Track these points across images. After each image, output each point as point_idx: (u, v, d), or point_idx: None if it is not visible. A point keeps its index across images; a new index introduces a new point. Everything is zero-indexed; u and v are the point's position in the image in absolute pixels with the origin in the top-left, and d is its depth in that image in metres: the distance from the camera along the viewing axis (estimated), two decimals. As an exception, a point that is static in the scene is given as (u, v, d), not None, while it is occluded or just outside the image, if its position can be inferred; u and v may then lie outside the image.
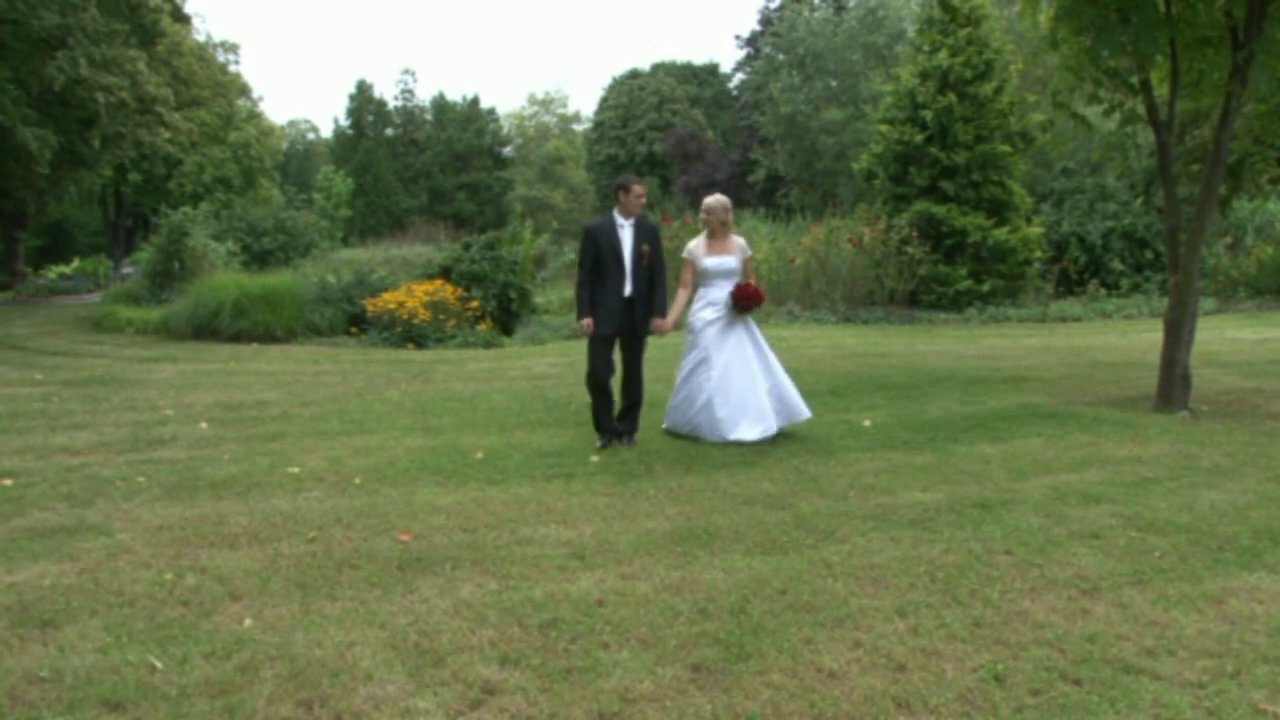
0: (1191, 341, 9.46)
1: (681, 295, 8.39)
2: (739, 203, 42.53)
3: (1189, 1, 9.32)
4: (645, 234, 7.92)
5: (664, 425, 8.44)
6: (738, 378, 8.02)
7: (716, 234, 8.25)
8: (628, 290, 7.83)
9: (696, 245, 8.30)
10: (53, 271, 39.75)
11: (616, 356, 8.12)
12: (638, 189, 7.86)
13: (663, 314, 8.07)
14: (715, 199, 8.27)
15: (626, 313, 7.87)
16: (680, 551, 5.27)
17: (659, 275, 8.03)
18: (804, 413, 8.19)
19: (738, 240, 8.33)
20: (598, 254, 7.82)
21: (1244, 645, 4.01)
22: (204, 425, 8.96)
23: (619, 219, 7.89)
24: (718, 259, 8.20)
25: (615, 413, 8.09)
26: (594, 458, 7.48)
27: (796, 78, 42.45)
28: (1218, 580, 4.75)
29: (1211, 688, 3.68)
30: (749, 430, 7.92)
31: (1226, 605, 4.44)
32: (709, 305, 8.18)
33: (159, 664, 3.90)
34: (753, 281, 8.28)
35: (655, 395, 9.27)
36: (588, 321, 7.85)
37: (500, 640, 4.12)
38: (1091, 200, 25.01)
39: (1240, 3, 8.83)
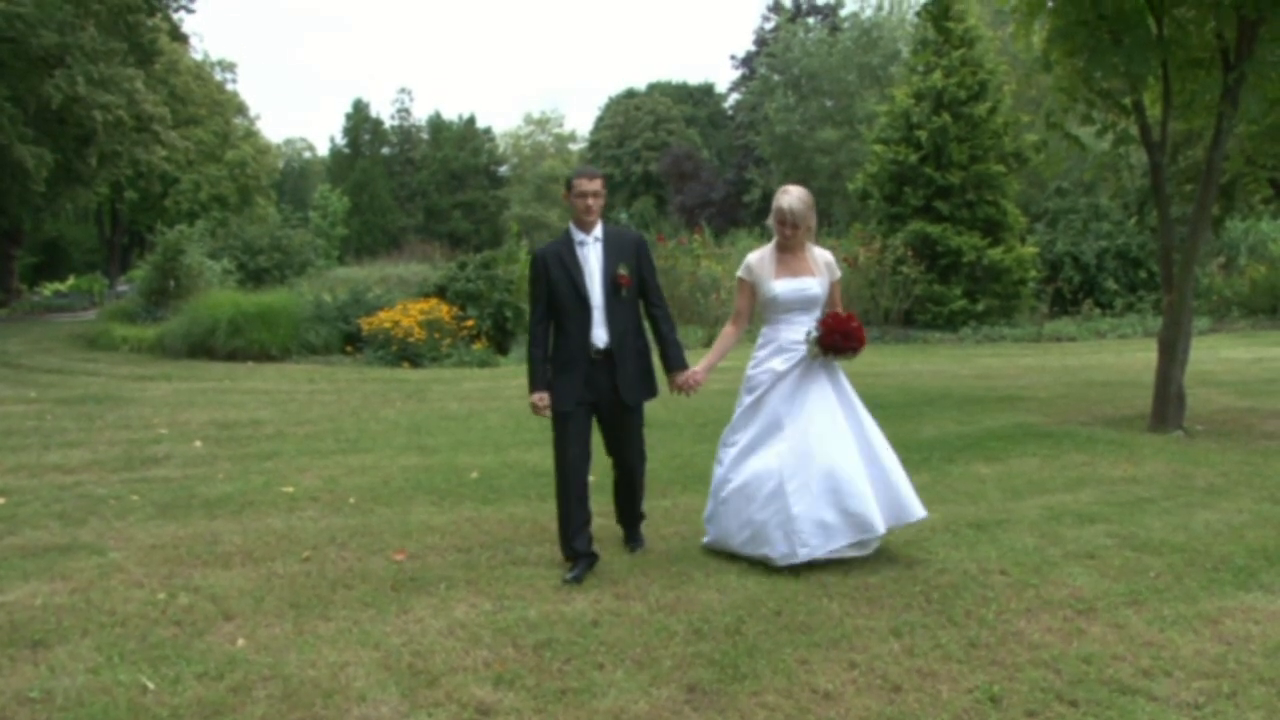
0: (1186, 361, 9.47)
1: (729, 333, 5.68)
2: (734, 222, 42.69)
3: (1180, 23, 9.39)
4: (620, 251, 5.35)
5: (704, 540, 5.68)
6: (824, 449, 5.25)
7: (792, 247, 5.50)
8: (601, 340, 5.27)
9: (760, 261, 5.54)
10: (48, 289, 39.85)
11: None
12: (585, 184, 5.27)
13: (681, 362, 5.51)
14: (795, 197, 5.40)
15: (603, 374, 5.28)
16: (675, 571, 5.25)
17: (660, 308, 5.51)
18: (917, 512, 5.38)
19: (822, 256, 5.59)
20: (551, 291, 5.30)
21: (1240, 666, 4.00)
22: (198, 444, 8.94)
23: (576, 234, 5.33)
24: (794, 282, 5.45)
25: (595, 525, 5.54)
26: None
27: (791, 98, 42.71)
28: (1213, 600, 4.74)
29: (1208, 709, 3.67)
30: (842, 534, 5.18)
31: (1222, 626, 4.43)
32: (779, 352, 5.44)
33: (151, 684, 3.88)
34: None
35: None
36: (539, 396, 5.29)
37: (495, 661, 4.10)
38: (1085, 220, 25.14)
39: (1231, 25, 8.90)
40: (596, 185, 5.32)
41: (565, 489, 5.31)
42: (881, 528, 5.22)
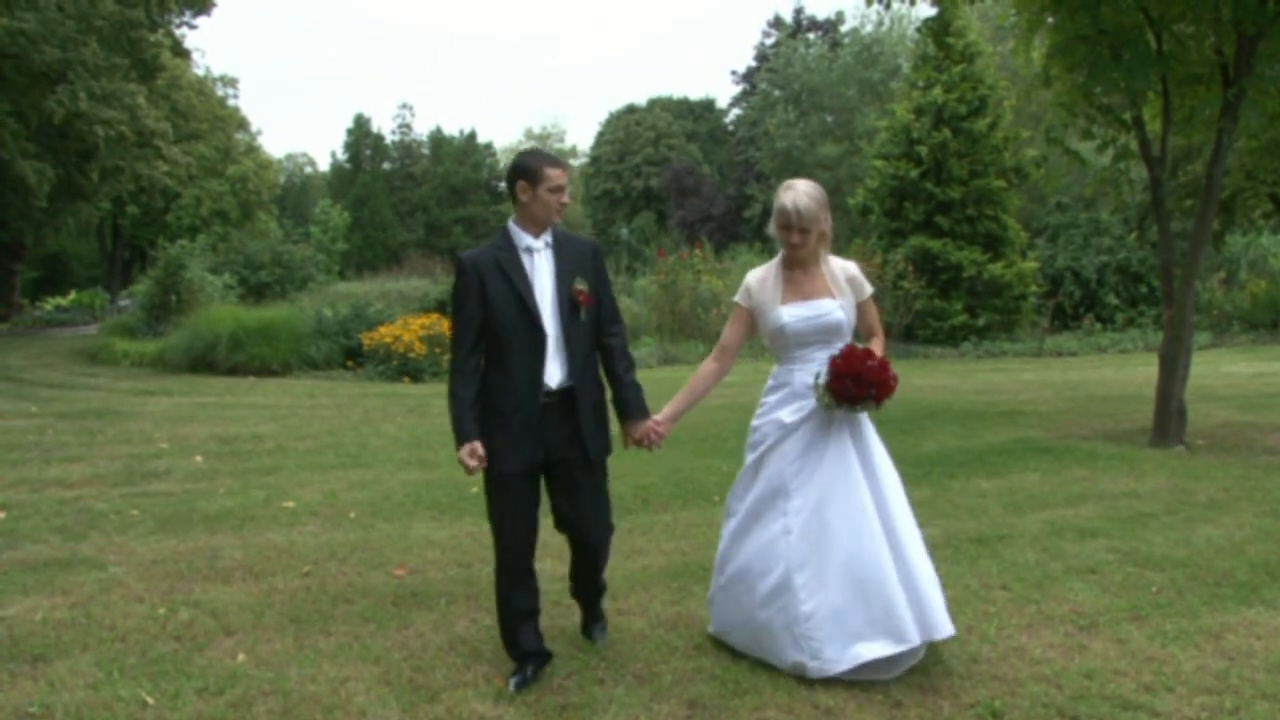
0: (1187, 376, 9.47)
1: (707, 372, 4.38)
2: (734, 237, 42.76)
3: (1180, 39, 9.44)
4: (575, 261, 4.09)
5: (710, 628, 4.50)
6: (845, 530, 4.05)
7: (803, 261, 4.23)
8: (556, 377, 4.01)
9: (762, 283, 4.28)
10: (49, 303, 39.82)
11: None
12: (560, 176, 3.99)
13: (642, 409, 4.22)
14: (801, 192, 4.10)
15: (558, 424, 4.03)
16: (676, 587, 5.24)
17: (619, 336, 4.24)
18: (944, 629, 4.03)
19: (843, 269, 4.32)
20: (489, 313, 3.96)
21: (1242, 681, 3.99)
22: (199, 458, 8.93)
23: (522, 238, 4.04)
24: (806, 307, 4.19)
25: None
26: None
27: (792, 113, 42.87)
28: (1215, 616, 4.73)
29: (1210, 725, 3.66)
30: (871, 644, 3.96)
31: (1224, 641, 4.42)
32: (791, 399, 4.20)
33: (150, 700, 3.87)
34: (877, 345, 4.30)
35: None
36: (469, 449, 3.90)
37: (495, 676, 4.09)
38: (1086, 235, 25.19)
39: (1230, 40, 8.95)
40: (565, 178, 4.04)
41: (506, 573, 4.13)
42: (917, 637, 3.95)
